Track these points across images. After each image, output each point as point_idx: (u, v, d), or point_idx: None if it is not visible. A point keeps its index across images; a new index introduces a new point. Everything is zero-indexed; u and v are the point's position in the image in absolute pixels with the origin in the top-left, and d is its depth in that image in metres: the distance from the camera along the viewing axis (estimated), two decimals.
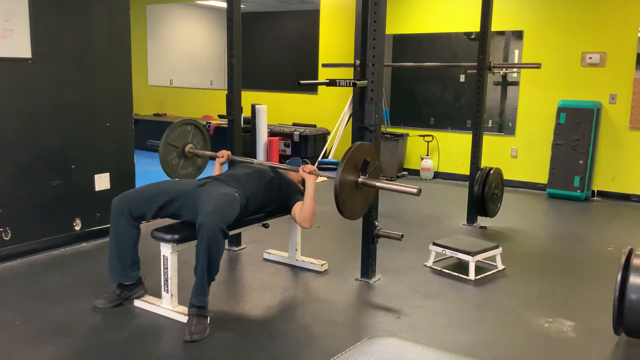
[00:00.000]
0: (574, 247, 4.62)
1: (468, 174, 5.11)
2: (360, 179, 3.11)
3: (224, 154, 3.73)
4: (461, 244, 3.92)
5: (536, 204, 6.23)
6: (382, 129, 6.30)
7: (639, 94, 6.06)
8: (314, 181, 3.22)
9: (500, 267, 3.93)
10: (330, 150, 7.41)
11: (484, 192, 4.83)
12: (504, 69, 6.84)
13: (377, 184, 3.16)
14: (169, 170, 3.73)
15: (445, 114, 7.44)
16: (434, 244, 3.95)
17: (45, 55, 3.92)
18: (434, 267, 3.93)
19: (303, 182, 3.30)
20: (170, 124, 3.74)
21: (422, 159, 7.43)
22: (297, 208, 3.29)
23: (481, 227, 5.01)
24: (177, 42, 10.23)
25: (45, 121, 3.98)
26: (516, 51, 6.83)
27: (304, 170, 3.24)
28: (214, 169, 3.73)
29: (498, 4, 5.39)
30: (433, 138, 7.39)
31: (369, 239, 3.58)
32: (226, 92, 4.16)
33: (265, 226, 3.53)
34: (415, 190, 3.01)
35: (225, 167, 3.84)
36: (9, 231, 3.83)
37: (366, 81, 3.46)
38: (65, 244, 4.17)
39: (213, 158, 3.78)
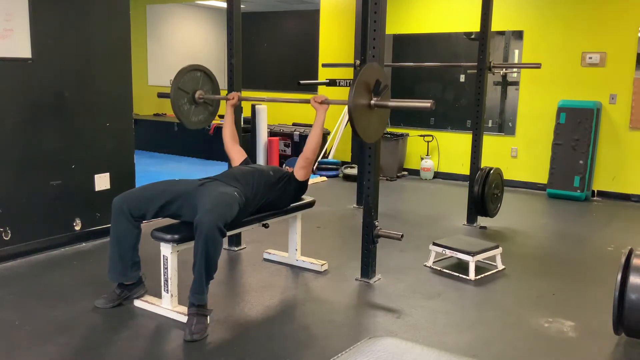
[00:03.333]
0: (574, 247, 4.62)
1: (468, 174, 5.11)
2: (372, 101, 3.11)
3: (234, 95, 3.77)
4: (461, 244, 3.92)
5: (536, 204, 6.23)
6: None
7: (639, 94, 6.06)
8: (324, 110, 3.34)
9: (500, 267, 3.93)
10: (330, 150, 7.40)
11: (484, 192, 4.83)
12: (504, 69, 6.84)
13: (390, 103, 3.17)
14: (182, 117, 3.73)
15: (445, 114, 7.44)
16: (434, 244, 3.95)
17: (45, 55, 3.92)
18: (434, 267, 3.93)
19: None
20: (179, 70, 3.72)
21: (422, 159, 7.43)
22: (297, 162, 3.42)
23: (481, 227, 5.01)
24: (177, 42, 10.22)
25: (45, 121, 3.98)
26: (516, 51, 6.83)
27: (315, 101, 3.27)
28: (226, 115, 3.75)
29: (498, 4, 5.39)
30: (433, 138, 7.39)
31: (369, 239, 3.58)
32: (226, 92, 4.16)
33: (265, 226, 3.53)
34: (428, 105, 3.01)
35: (225, 167, 3.84)
36: (9, 231, 3.83)
37: None
38: (65, 244, 4.17)
39: (224, 102, 3.79)
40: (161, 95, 3.84)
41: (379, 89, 3.09)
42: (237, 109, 4.13)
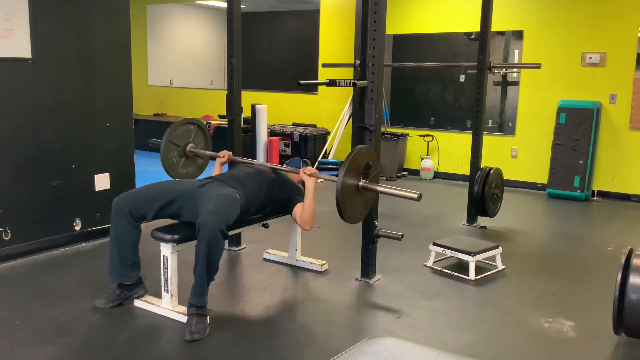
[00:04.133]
0: (574, 247, 4.62)
1: (468, 174, 5.11)
2: (361, 183, 3.11)
3: (225, 154, 3.73)
4: (461, 244, 3.92)
5: (536, 204, 6.23)
6: (382, 129, 6.30)
7: (639, 94, 6.06)
8: (314, 183, 3.22)
9: (500, 267, 3.93)
10: (330, 150, 7.40)
11: (484, 192, 4.83)
12: (504, 69, 6.85)
13: (378, 188, 3.16)
14: (170, 169, 3.72)
15: (445, 114, 7.44)
16: (434, 244, 3.95)
17: (45, 55, 3.92)
18: (434, 267, 3.93)
19: (303, 182, 3.29)
20: (173, 123, 3.75)
21: (422, 159, 7.43)
22: (298, 210, 3.29)
23: (481, 227, 5.01)
24: (177, 42, 10.23)
25: (45, 121, 3.98)
26: (516, 51, 6.83)
27: (304, 173, 3.24)
28: (214, 169, 3.73)
29: (498, 4, 5.39)
30: (433, 138, 7.39)
31: (369, 239, 3.58)
32: (226, 92, 4.16)
33: (265, 226, 3.53)
34: (415, 196, 3.00)
35: (225, 168, 3.84)
36: (9, 231, 3.83)
37: (366, 81, 3.46)
38: (65, 244, 4.17)
39: (214, 158, 3.79)
40: (153, 142, 3.84)
41: (368, 171, 3.10)
42: (237, 109, 4.11)
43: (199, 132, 3.87)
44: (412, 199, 3.02)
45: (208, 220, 2.78)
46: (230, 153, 3.79)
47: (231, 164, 3.90)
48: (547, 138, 6.52)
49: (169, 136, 3.67)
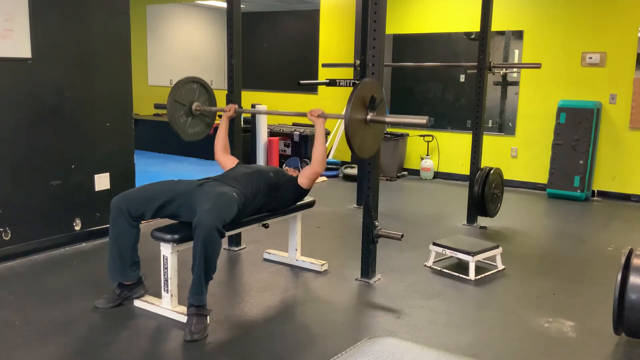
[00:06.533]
0: (574, 247, 4.62)
1: (468, 174, 5.11)
2: (369, 117, 3.13)
3: (231, 107, 3.78)
4: (461, 244, 3.92)
5: (536, 204, 6.23)
6: None
7: (639, 94, 6.06)
8: (323, 123, 3.36)
9: (500, 267, 3.93)
10: (330, 150, 7.40)
11: (484, 192, 4.83)
12: (504, 69, 6.84)
13: (387, 119, 3.22)
14: (178, 129, 3.74)
15: (445, 114, 7.44)
16: (434, 244, 3.95)
17: (45, 55, 3.92)
18: (434, 267, 3.93)
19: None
20: (176, 82, 3.74)
21: (422, 159, 7.43)
22: (303, 170, 3.43)
23: (481, 227, 5.01)
24: (177, 42, 10.23)
25: (45, 121, 3.98)
26: (516, 51, 6.83)
27: (312, 115, 3.33)
28: (220, 127, 3.75)
29: (498, 4, 5.39)
30: (433, 138, 7.39)
31: (369, 239, 3.58)
32: (226, 92, 4.16)
33: (265, 226, 3.53)
34: (424, 121, 3.06)
35: (223, 170, 3.83)
36: (9, 231, 3.83)
37: None
38: (65, 244, 4.17)
39: (220, 113, 3.83)
40: (158, 106, 3.86)
41: (374, 104, 3.11)
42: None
43: (202, 90, 3.87)
44: (420, 124, 3.10)
45: (204, 218, 2.78)
46: (236, 106, 3.83)
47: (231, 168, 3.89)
48: (547, 138, 6.52)
49: (174, 96, 3.68)
